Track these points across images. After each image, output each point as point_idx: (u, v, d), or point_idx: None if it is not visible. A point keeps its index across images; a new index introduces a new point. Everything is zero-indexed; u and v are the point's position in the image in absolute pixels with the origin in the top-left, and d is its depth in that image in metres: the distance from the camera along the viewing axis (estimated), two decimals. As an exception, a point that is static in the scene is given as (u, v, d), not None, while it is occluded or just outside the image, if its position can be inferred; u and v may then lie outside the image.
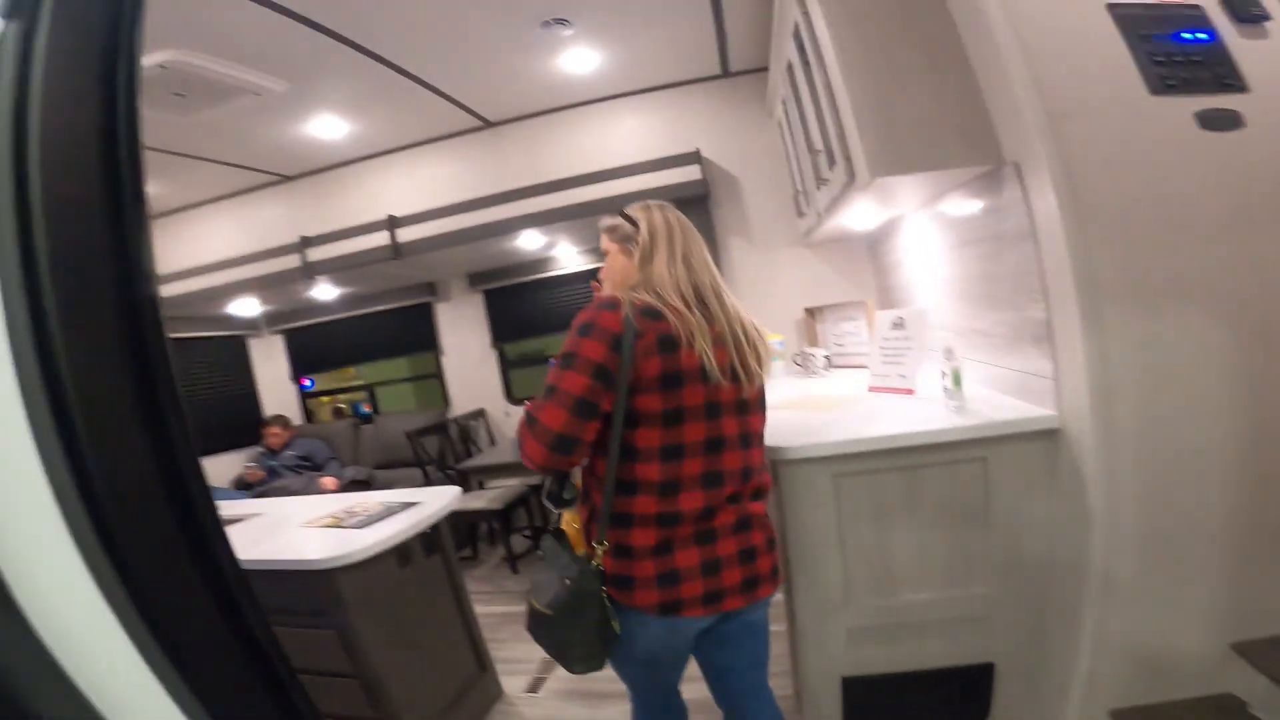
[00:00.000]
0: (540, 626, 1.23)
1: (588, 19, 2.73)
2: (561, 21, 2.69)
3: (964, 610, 1.70)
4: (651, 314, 1.14)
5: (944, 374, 1.81)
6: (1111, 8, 1.53)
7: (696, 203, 3.38)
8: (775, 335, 3.23)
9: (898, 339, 2.20)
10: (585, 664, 1.21)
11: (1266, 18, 1.53)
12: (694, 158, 3.34)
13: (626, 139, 3.68)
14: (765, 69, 3.29)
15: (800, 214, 2.96)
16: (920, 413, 1.87)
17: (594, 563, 1.18)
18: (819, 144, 2.18)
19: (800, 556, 1.74)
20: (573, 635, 1.18)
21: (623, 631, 1.19)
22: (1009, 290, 1.75)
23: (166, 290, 4.20)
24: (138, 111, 0.79)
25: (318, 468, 4.66)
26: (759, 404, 1.32)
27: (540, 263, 4.37)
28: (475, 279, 4.60)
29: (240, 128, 3.32)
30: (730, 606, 1.21)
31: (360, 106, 3.37)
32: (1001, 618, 1.69)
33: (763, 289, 3.48)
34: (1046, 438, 1.60)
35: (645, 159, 3.44)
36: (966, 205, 1.93)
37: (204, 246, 4.45)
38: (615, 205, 3.28)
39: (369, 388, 5.47)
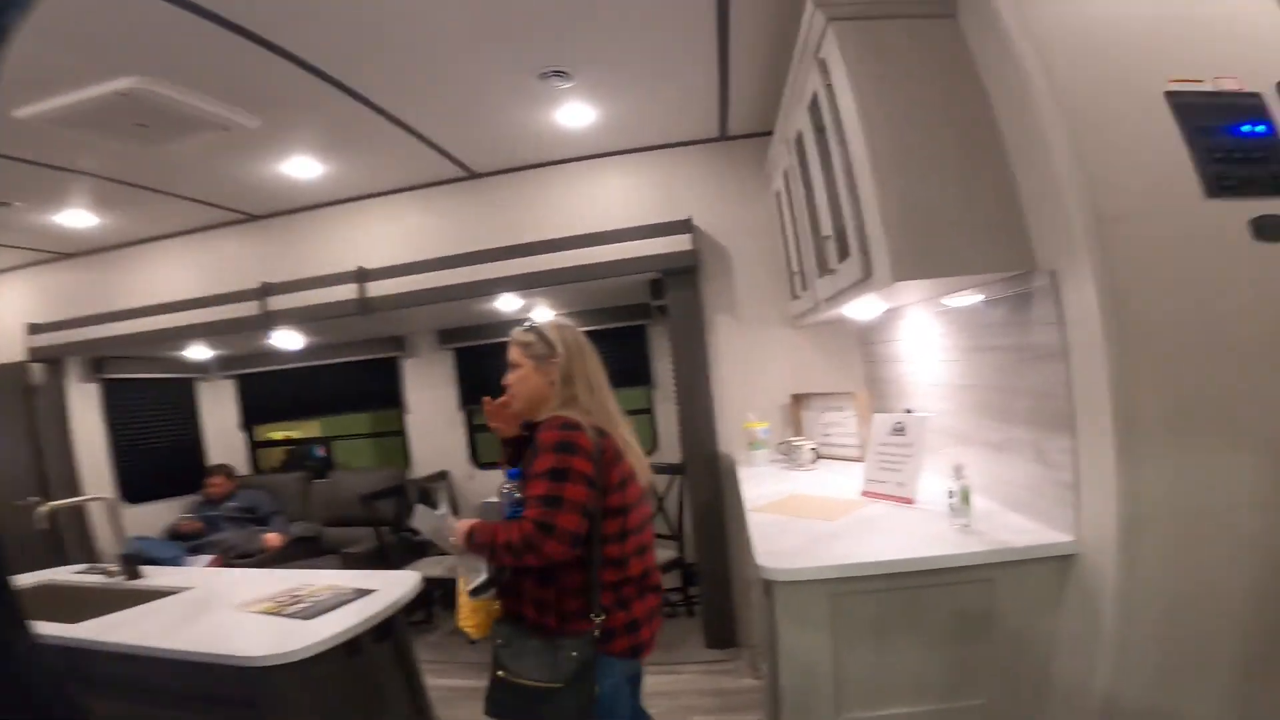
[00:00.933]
0: (532, 702, 1.41)
1: (589, 73, 2.65)
2: (561, 74, 2.61)
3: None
4: (601, 432, 1.48)
5: (952, 492, 1.70)
6: (1170, 95, 1.42)
7: (685, 275, 3.29)
8: (761, 423, 3.11)
9: (897, 445, 2.09)
10: None
11: None
12: (686, 226, 3.25)
13: (616, 199, 3.59)
14: (766, 134, 3.18)
15: (795, 295, 2.86)
16: (924, 528, 1.76)
17: (595, 632, 1.43)
18: (827, 229, 2.06)
19: (790, 667, 1.60)
20: (571, 703, 1.40)
21: (600, 683, 1.43)
22: (1028, 407, 1.65)
23: (117, 328, 3.95)
24: None
25: (261, 521, 4.34)
26: (649, 492, 1.67)
27: (516, 324, 4.21)
28: (446, 336, 4.42)
29: (207, 162, 3.14)
30: (651, 652, 1.55)
31: (337, 148, 3.22)
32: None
33: (749, 371, 3.36)
34: (1060, 561, 1.53)
35: (634, 222, 3.33)
36: (983, 308, 1.84)
37: (160, 282, 4.21)
38: (602, 272, 3.24)
39: (325, 440, 5.18)
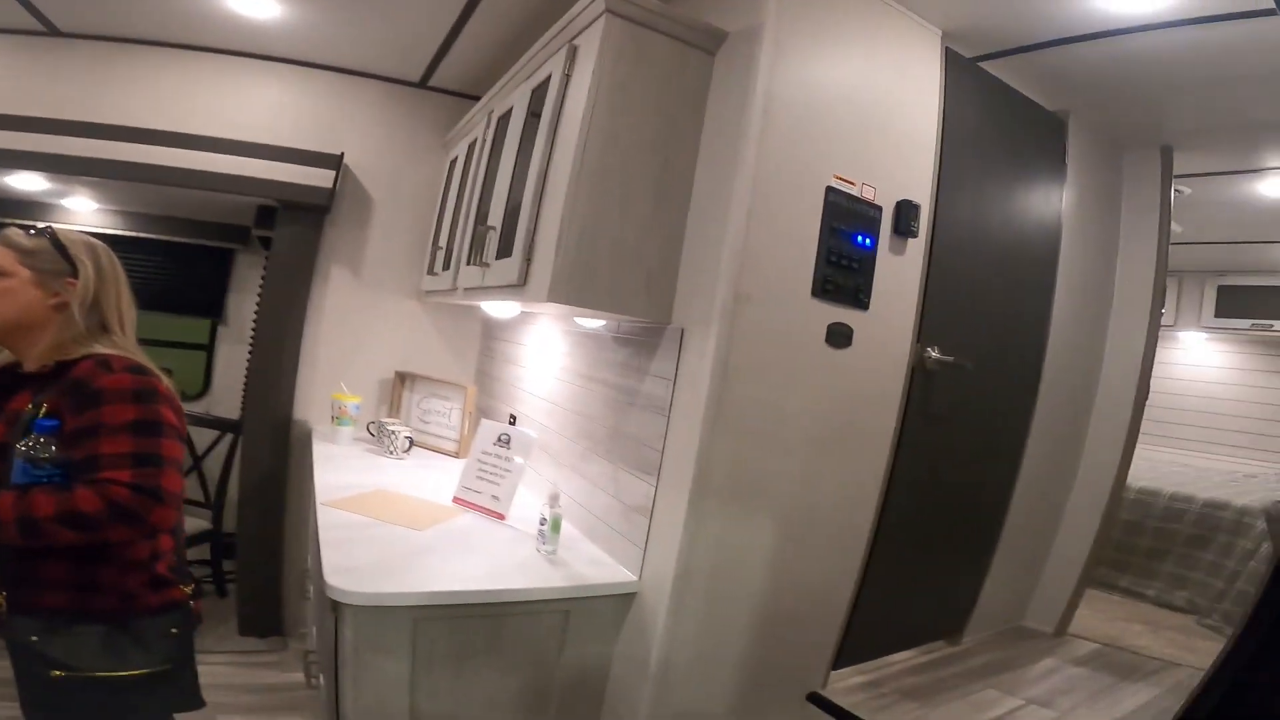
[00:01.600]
0: (133, 694, 1.22)
1: None
2: None
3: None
4: (159, 375, 1.27)
5: (544, 519, 1.75)
6: (828, 191, 1.61)
7: (310, 212, 2.75)
8: (353, 397, 2.78)
9: (500, 457, 2.07)
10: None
11: (915, 235, 1.76)
12: (334, 163, 2.73)
13: (264, 111, 2.81)
14: (469, 97, 2.88)
15: (432, 271, 2.59)
16: (513, 551, 1.75)
17: (190, 602, 1.31)
18: (496, 220, 1.89)
19: (359, 696, 1.43)
20: (184, 680, 1.31)
21: None
22: (626, 450, 1.78)
23: None
24: None
25: None
26: None
27: (21, 206, 3.01)
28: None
29: None
30: None
31: None
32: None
33: (353, 336, 2.96)
34: (624, 597, 1.68)
35: (279, 142, 2.71)
36: (610, 342, 1.94)
37: None
38: (205, 181, 2.51)
39: None
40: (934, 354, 1.89)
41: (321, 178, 2.71)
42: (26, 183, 2.70)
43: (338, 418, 2.74)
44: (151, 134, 2.55)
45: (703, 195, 1.65)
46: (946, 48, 1.86)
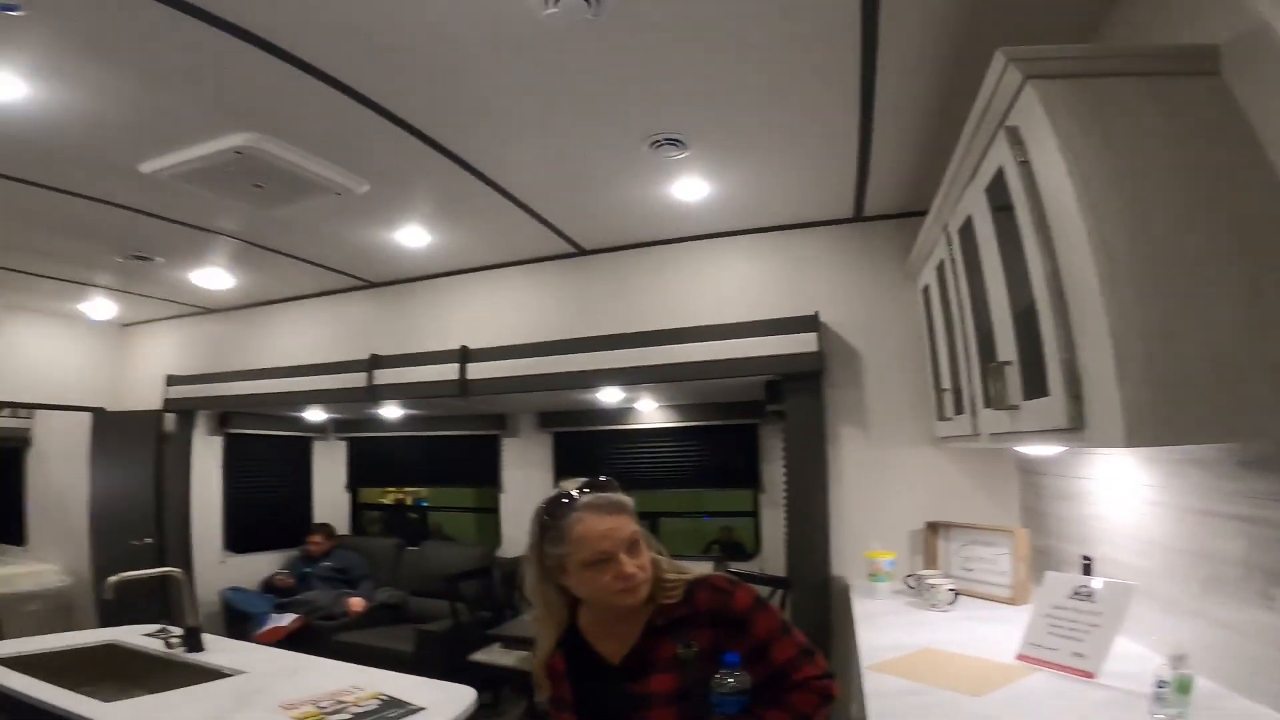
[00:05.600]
0: None
1: (704, 141, 2.42)
2: (674, 142, 2.39)
3: None
4: None
5: (1163, 681, 1.26)
6: None
7: (807, 379, 2.95)
8: (887, 553, 2.66)
9: (1080, 611, 1.64)
10: None
11: None
12: (811, 324, 2.93)
13: (734, 284, 3.35)
14: (912, 215, 2.85)
15: (944, 416, 2.35)
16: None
17: None
18: (1008, 352, 1.58)
19: None
20: None
21: None
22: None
23: (243, 387, 4.21)
24: None
25: (352, 583, 4.40)
26: None
27: (617, 414, 4.03)
28: (547, 419, 4.29)
29: (325, 227, 3.25)
30: None
31: (444, 217, 3.20)
32: None
33: (874, 492, 2.93)
34: None
35: (754, 309, 3.08)
36: (1233, 468, 1.37)
37: (288, 340, 4.49)
38: (715, 371, 2.91)
39: (424, 509, 5.18)
40: None
41: (805, 342, 2.88)
42: (609, 394, 3.57)
43: (874, 574, 2.65)
44: (660, 334, 3.14)
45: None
46: None
